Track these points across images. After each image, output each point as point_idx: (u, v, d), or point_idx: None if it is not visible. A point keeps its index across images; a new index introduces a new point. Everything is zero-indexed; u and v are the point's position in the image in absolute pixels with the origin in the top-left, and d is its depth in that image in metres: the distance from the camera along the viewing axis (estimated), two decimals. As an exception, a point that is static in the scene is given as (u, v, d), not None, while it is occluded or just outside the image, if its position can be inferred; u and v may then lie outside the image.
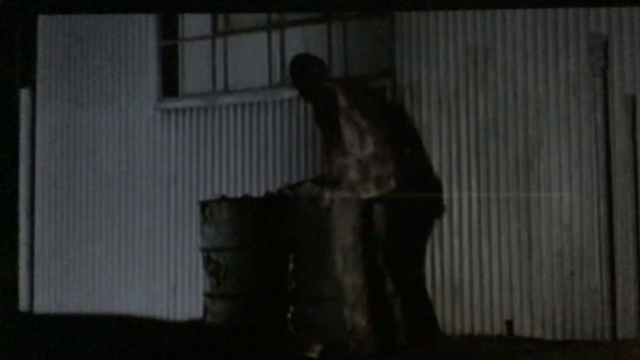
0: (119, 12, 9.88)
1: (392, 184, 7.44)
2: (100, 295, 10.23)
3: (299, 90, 7.83)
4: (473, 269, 8.24)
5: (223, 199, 8.44)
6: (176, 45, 10.14)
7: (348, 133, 7.40)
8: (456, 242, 8.33)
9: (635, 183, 7.68)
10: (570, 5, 7.87)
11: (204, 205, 8.36)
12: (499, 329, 8.11)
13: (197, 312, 9.16)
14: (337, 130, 7.40)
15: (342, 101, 7.47)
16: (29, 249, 10.72)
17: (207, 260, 8.22)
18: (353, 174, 7.38)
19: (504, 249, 8.13)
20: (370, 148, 7.43)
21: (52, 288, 10.57)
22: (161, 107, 10.04)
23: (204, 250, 8.30)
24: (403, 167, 7.59)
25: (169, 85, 10.14)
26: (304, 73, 7.77)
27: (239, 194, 9.25)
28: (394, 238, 7.73)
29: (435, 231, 8.41)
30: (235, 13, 9.67)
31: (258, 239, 7.91)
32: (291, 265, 7.79)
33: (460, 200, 8.32)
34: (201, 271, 8.59)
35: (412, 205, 8.24)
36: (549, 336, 7.90)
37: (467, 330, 8.24)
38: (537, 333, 7.96)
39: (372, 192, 7.38)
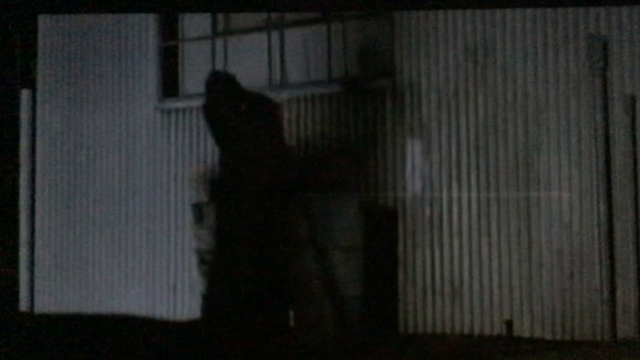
0: (119, 11, 9.89)
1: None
2: (101, 295, 10.23)
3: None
4: (473, 269, 8.24)
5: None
6: (176, 45, 10.14)
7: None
8: (456, 241, 8.32)
9: (635, 182, 7.68)
10: (570, 5, 7.87)
11: (195, 207, 8.33)
12: (498, 329, 8.11)
13: (197, 312, 9.15)
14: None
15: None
16: (29, 249, 10.72)
17: (201, 262, 8.19)
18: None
19: (503, 248, 8.13)
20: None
21: (53, 288, 10.57)
22: (161, 108, 10.04)
23: (198, 251, 8.27)
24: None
25: (169, 85, 10.14)
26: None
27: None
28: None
29: (435, 231, 8.41)
30: (235, 13, 9.66)
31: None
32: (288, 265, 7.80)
33: (459, 199, 8.32)
34: (201, 271, 8.59)
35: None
36: (548, 336, 7.89)
37: (466, 330, 8.24)
38: (537, 333, 7.95)
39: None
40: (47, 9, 9.34)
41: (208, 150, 9.67)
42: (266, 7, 9.20)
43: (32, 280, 10.68)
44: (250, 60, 9.60)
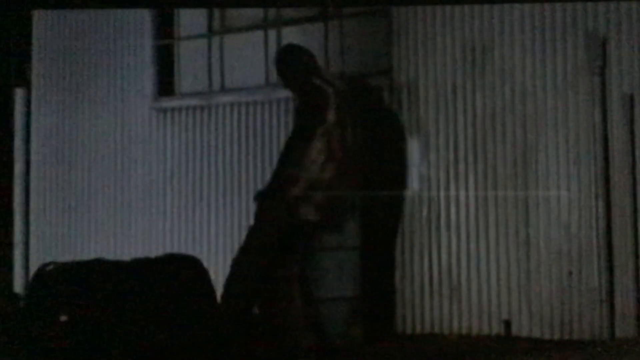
0: (115, 6, 9.86)
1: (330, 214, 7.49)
2: (96, 295, 10.18)
3: (286, 81, 7.79)
4: (471, 269, 8.21)
5: None
6: (172, 44, 10.11)
7: (316, 149, 7.41)
8: (454, 241, 8.29)
9: (634, 181, 7.66)
10: (568, 0, 7.85)
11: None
12: (497, 328, 8.08)
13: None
14: (309, 140, 7.43)
15: (331, 116, 7.47)
16: (24, 250, 10.68)
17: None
18: (298, 191, 7.42)
19: (502, 248, 8.10)
20: (328, 174, 7.46)
21: (47, 289, 10.52)
22: (157, 107, 10.02)
23: None
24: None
25: (165, 84, 10.11)
26: (293, 64, 7.70)
27: (235, 194, 9.25)
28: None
29: (433, 230, 8.38)
30: (231, 8, 9.64)
31: None
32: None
33: (457, 199, 8.29)
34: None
35: None
36: (547, 336, 7.87)
37: (464, 330, 8.21)
38: (535, 333, 7.92)
39: (310, 216, 7.41)
40: (41, 3, 9.30)
41: (204, 149, 9.65)
42: (264, 2, 9.18)
43: (26, 282, 10.63)
44: (247, 59, 9.58)
